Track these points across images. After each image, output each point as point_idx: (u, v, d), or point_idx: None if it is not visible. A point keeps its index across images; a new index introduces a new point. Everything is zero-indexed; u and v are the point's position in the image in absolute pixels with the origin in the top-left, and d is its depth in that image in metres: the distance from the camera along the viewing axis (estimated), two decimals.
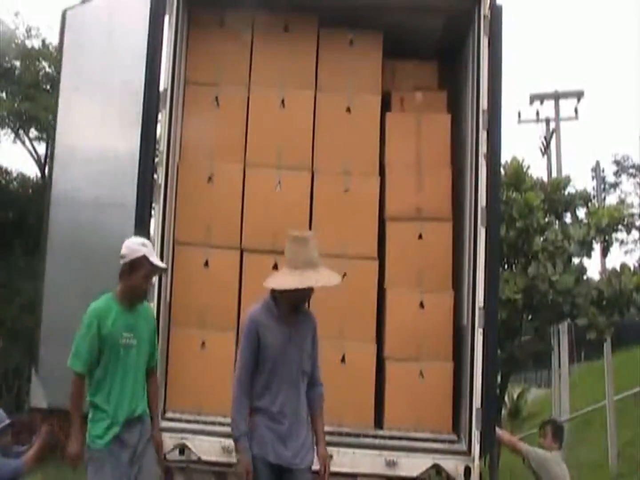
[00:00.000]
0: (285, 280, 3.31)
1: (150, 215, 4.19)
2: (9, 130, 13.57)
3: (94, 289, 4.10)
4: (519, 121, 18.51)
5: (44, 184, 10.13)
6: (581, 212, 9.21)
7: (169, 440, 4.03)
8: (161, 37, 4.29)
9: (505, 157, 9.14)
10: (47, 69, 12.84)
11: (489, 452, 4.33)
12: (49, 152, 4.90)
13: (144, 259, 3.44)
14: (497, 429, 4.85)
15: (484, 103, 4.24)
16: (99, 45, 4.51)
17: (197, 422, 4.24)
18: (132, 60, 4.31)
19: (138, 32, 4.29)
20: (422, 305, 4.49)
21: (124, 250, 3.45)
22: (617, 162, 36.21)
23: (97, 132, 4.50)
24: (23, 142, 13.87)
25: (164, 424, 4.16)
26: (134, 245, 3.46)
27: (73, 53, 4.63)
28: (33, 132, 13.56)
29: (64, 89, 4.67)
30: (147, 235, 4.14)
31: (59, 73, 4.89)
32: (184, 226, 4.50)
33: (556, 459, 4.85)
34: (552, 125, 18.14)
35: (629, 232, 9.12)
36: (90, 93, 4.54)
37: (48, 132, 11.76)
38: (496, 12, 4.30)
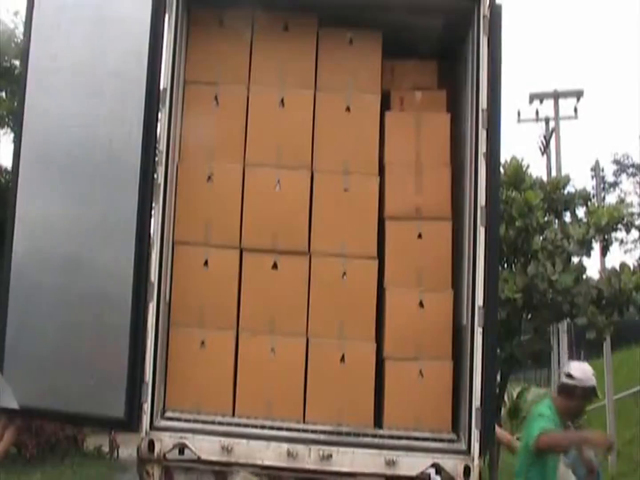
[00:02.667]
0: None
1: (150, 215, 4.19)
2: (9, 130, 13.55)
3: (68, 284, 4.10)
4: (519, 120, 18.58)
5: None
6: (581, 212, 9.25)
7: (168, 440, 4.04)
8: (162, 37, 4.27)
9: (505, 156, 9.17)
10: None
11: (488, 452, 4.34)
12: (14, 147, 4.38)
13: (594, 390, 3.70)
14: (498, 428, 4.85)
15: (483, 102, 4.24)
16: (84, 29, 4.27)
17: (196, 421, 4.23)
18: (127, 50, 4.21)
19: (133, 21, 4.21)
20: (421, 304, 4.49)
21: (578, 374, 3.71)
22: (616, 162, 36.21)
23: (81, 123, 4.21)
24: None
25: (163, 423, 4.17)
26: (590, 374, 3.72)
27: (46, 32, 4.27)
28: None
29: (35, 70, 4.26)
30: (147, 235, 4.14)
31: (26, 50, 4.28)
32: (183, 226, 4.49)
33: None
34: (552, 124, 18.19)
35: (628, 231, 9.14)
36: (72, 79, 4.24)
37: None
38: (496, 12, 4.30)
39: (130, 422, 4.03)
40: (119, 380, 3.99)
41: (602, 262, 13.00)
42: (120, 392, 3.98)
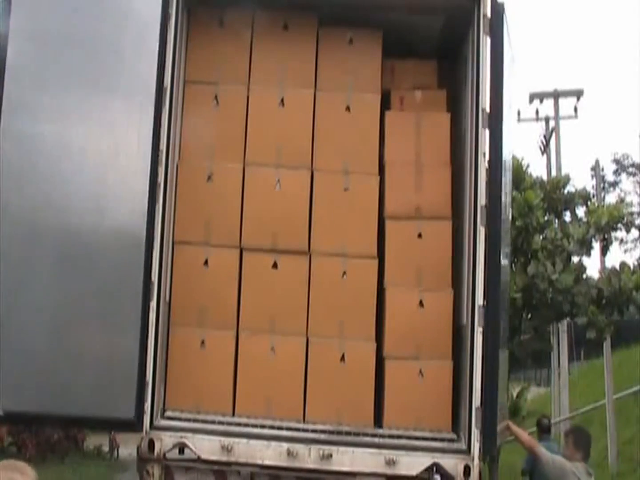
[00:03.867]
0: None
1: (154, 215, 4.18)
2: None
3: (68, 281, 4.04)
4: (519, 120, 18.54)
5: None
6: (581, 211, 9.24)
7: (168, 439, 4.04)
8: (167, 38, 4.24)
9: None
10: None
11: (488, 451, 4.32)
12: None
13: None
14: (514, 426, 4.68)
15: (484, 102, 4.23)
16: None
17: (196, 420, 4.24)
18: (125, 28, 4.18)
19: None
20: (421, 304, 4.49)
21: None
22: (616, 161, 36.20)
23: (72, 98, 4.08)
24: None
25: (163, 422, 4.17)
26: None
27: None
28: None
29: (17, 38, 4.01)
30: (152, 234, 4.11)
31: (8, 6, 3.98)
32: (183, 225, 4.50)
33: (574, 470, 4.70)
34: (552, 124, 18.18)
35: (628, 230, 9.14)
36: (62, 49, 4.11)
37: None
38: (498, 11, 4.30)
39: (139, 423, 3.99)
40: (127, 381, 3.95)
41: (602, 262, 12.99)
42: (129, 393, 3.94)
